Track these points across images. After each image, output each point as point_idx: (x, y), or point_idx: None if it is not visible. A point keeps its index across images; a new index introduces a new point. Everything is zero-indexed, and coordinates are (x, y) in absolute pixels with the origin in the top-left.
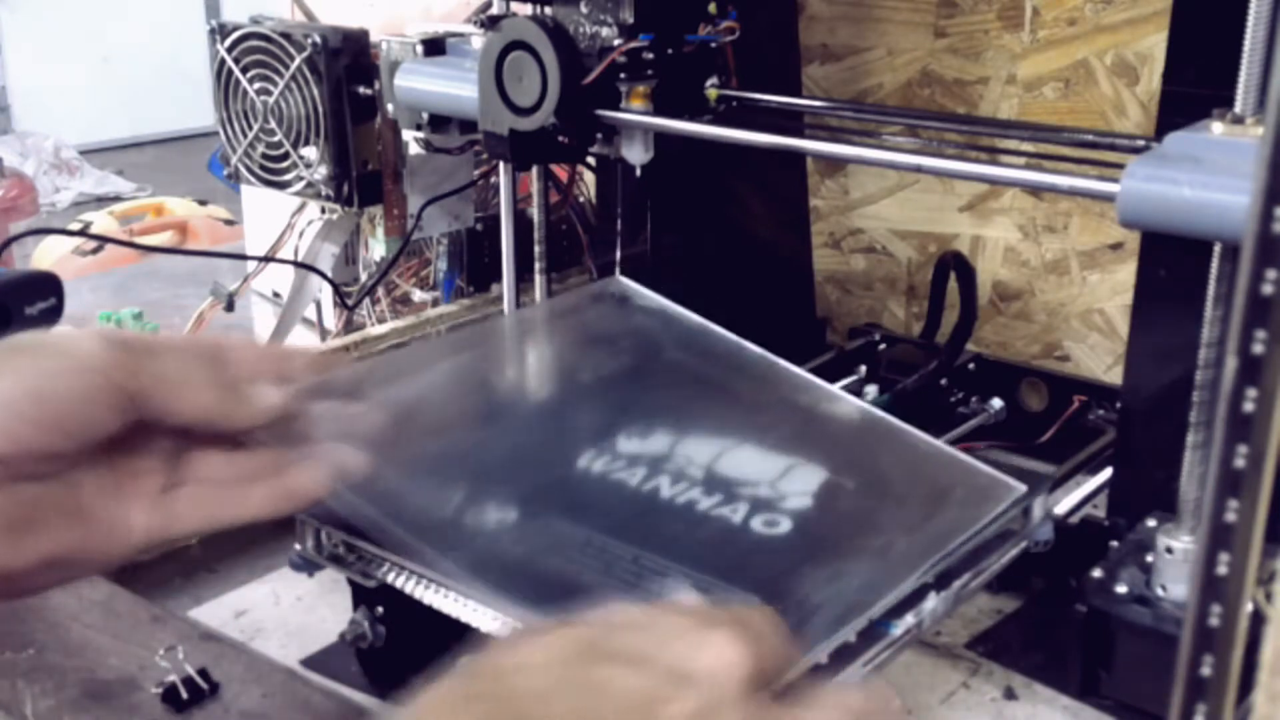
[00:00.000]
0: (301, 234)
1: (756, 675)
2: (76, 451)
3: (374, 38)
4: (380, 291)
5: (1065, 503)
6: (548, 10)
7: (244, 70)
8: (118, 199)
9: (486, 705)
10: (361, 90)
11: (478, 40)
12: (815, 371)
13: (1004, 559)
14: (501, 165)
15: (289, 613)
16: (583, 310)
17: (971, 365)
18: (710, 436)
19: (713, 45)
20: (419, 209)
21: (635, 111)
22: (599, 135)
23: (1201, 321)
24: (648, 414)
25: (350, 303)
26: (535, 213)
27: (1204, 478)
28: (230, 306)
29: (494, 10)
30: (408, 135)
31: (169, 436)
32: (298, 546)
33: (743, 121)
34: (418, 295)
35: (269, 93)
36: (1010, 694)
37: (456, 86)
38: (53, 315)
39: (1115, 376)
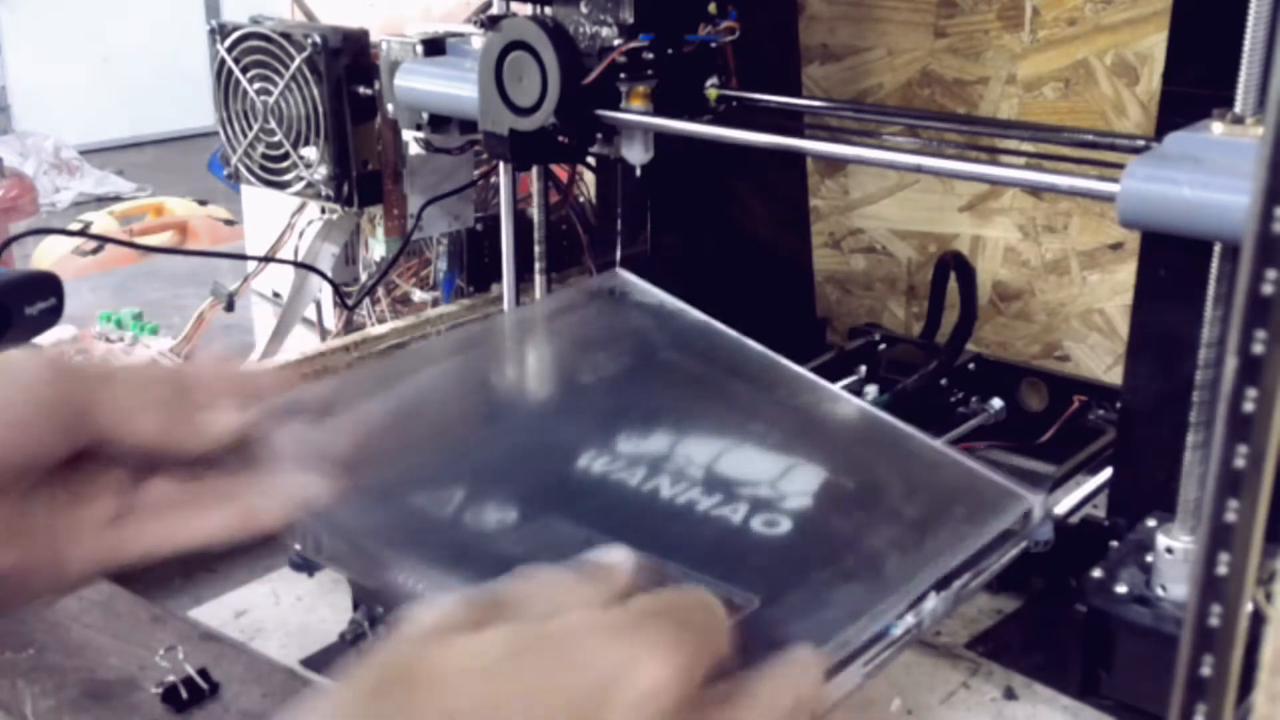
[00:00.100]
0: (301, 234)
1: (691, 684)
2: (20, 476)
3: (374, 38)
4: (380, 291)
5: (1065, 503)
6: (548, 10)
7: (244, 70)
8: (118, 199)
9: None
10: (361, 90)
11: (478, 40)
12: (815, 372)
13: (1004, 559)
14: (501, 165)
15: (289, 613)
16: (581, 307)
17: (971, 365)
18: (711, 437)
19: (713, 45)
20: (419, 209)
21: (635, 111)
22: (599, 135)
23: (1201, 321)
24: (647, 415)
25: (350, 303)
26: (535, 213)
27: (1204, 478)
28: (230, 306)
29: (494, 10)
30: (408, 135)
31: (123, 463)
32: (297, 546)
33: (743, 121)
34: (418, 295)
35: (269, 93)
36: (1010, 694)
37: (456, 86)
38: (53, 315)
39: (1115, 376)
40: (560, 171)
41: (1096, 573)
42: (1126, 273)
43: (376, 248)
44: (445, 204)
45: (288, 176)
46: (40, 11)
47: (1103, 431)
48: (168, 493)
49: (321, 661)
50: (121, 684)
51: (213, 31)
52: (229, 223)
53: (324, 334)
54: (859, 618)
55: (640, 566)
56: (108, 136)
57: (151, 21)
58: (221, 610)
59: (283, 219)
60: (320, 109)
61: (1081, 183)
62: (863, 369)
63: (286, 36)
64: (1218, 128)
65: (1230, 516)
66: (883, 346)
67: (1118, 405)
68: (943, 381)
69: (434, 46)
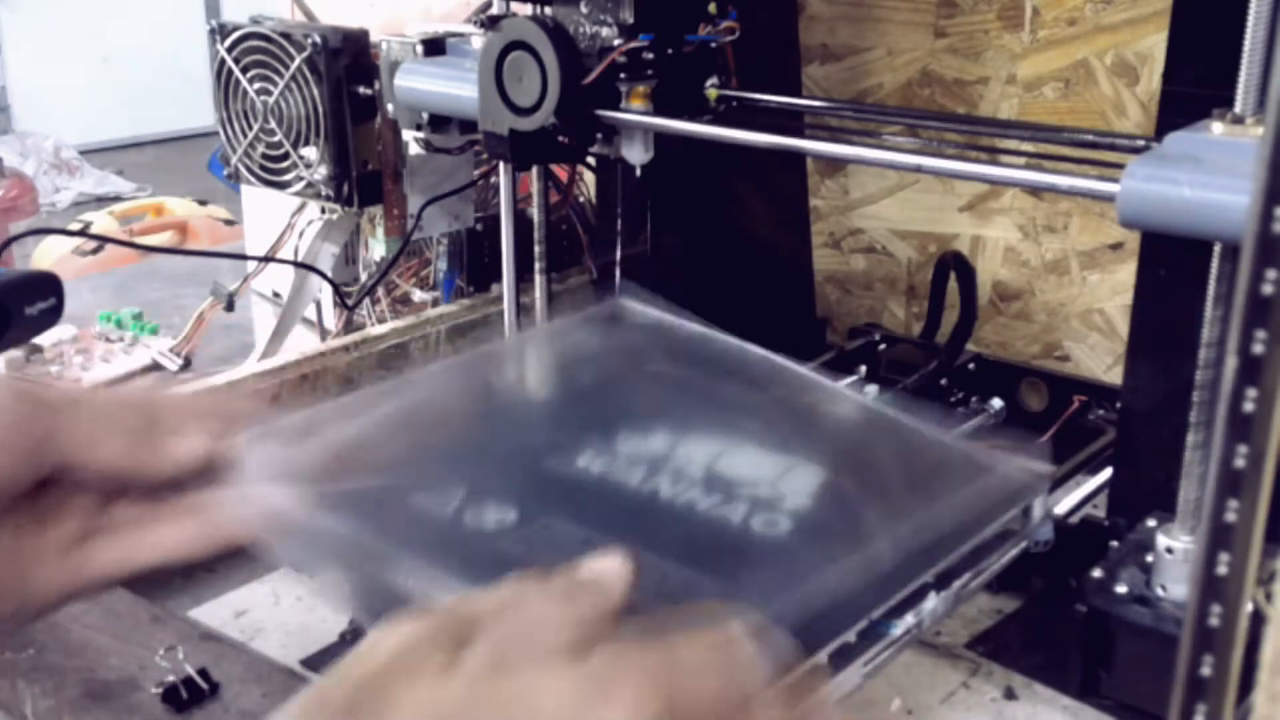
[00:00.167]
0: (301, 234)
1: None
2: None
3: (374, 38)
4: (380, 291)
5: (1065, 503)
6: (548, 10)
7: (244, 70)
8: (118, 199)
9: None
10: (361, 90)
11: (478, 40)
12: (815, 372)
13: (1004, 559)
14: (501, 165)
15: (289, 613)
16: (577, 329)
17: (971, 365)
18: (711, 437)
19: (713, 45)
20: (419, 209)
21: (635, 111)
22: (599, 135)
23: (1201, 321)
24: (644, 419)
25: (350, 303)
26: (535, 213)
27: (1204, 478)
28: (230, 306)
29: (494, 10)
30: (408, 135)
31: (89, 487)
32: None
33: (743, 121)
34: (418, 295)
35: (269, 93)
36: (1010, 694)
37: (456, 86)
38: (53, 315)
39: (1115, 376)
40: (560, 171)
41: (1096, 573)
42: (1126, 273)
43: (376, 248)
44: (445, 204)
45: (288, 176)
46: (40, 11)
47: (1103, 431)
48: (132, 514)
49: (321, 661)
50: (121, 684)
51: (213, 31)
52: (229, 223)
53: (324, 334)
54: (860, 616)
55: (637, 572)
56: (108, 136)
57: (151, 21)
58: (221, 610)
59: (283, 219)
60: (320, 109)
61: (1081, 183)
62: (863, 369)
63: (286, 36)
64: (1218, 128)
65: (1230, 516)
66: (883, 346)
67: (1118, 405)
68: (943, 381)
69: (434, 46)
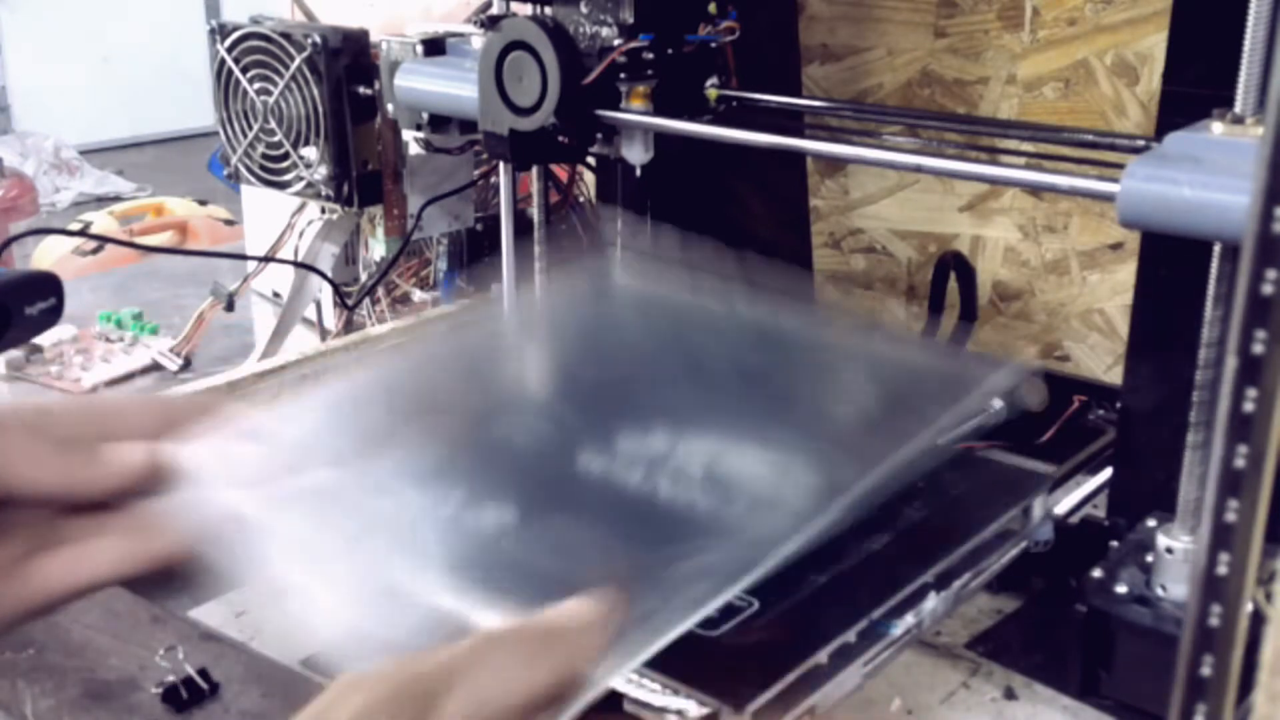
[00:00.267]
0: (301, 234)
1: None
2: None
3: (374, 38)
4: (380, 291)
5: (1065, 503)
6: (548, 10)
7: (244, 70)
8: (118, 199)
9: None
10: (361, 90)
11: (478, 40)
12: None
13: (1004, 559)
14: (501, 165)
15: (289, 612)
16: (559, 315)
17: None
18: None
19: (713, 45)
20: (419, 209)
21: (635, 111)
22: (599, 135)
23: (1201, 321)
24: (619, 393)
25: (350, 303)
26: (535, 213)
27: (1204, 478)
28: (230, 306)
29: (494, 10)
30: (408, 135)
31: (30, 511)
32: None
33: (743, 121)
34: (418, 295)
35: (269, 93)
36: (1010, 694)
37: (456, 86)
38: (53, 315)
39: (1115, 376)
40: (560, 171)
41: (1096, 573)
42: (1126, 273)
43: (376, 248)
44: (445, 204)
45: (288, 176)
46: (40, 11)
47: (1103, 431)
48: (79, 529)
49: (322, 661)
50: (121, 684)
51: (213, 31)
52: (229, 223)
53: (324, 334)
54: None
55: (609, 613)
56: (108, 136)
57: (151, 21)
58: (221, 610)
59: (283, 219)
60: (320, 109)
61: (1081, 183)
62: None
63: (286, 36)
64: (1218, 128)
65: (1230, 516)
66: None
67: (1118, 405)
68: None
69: (434, 46)
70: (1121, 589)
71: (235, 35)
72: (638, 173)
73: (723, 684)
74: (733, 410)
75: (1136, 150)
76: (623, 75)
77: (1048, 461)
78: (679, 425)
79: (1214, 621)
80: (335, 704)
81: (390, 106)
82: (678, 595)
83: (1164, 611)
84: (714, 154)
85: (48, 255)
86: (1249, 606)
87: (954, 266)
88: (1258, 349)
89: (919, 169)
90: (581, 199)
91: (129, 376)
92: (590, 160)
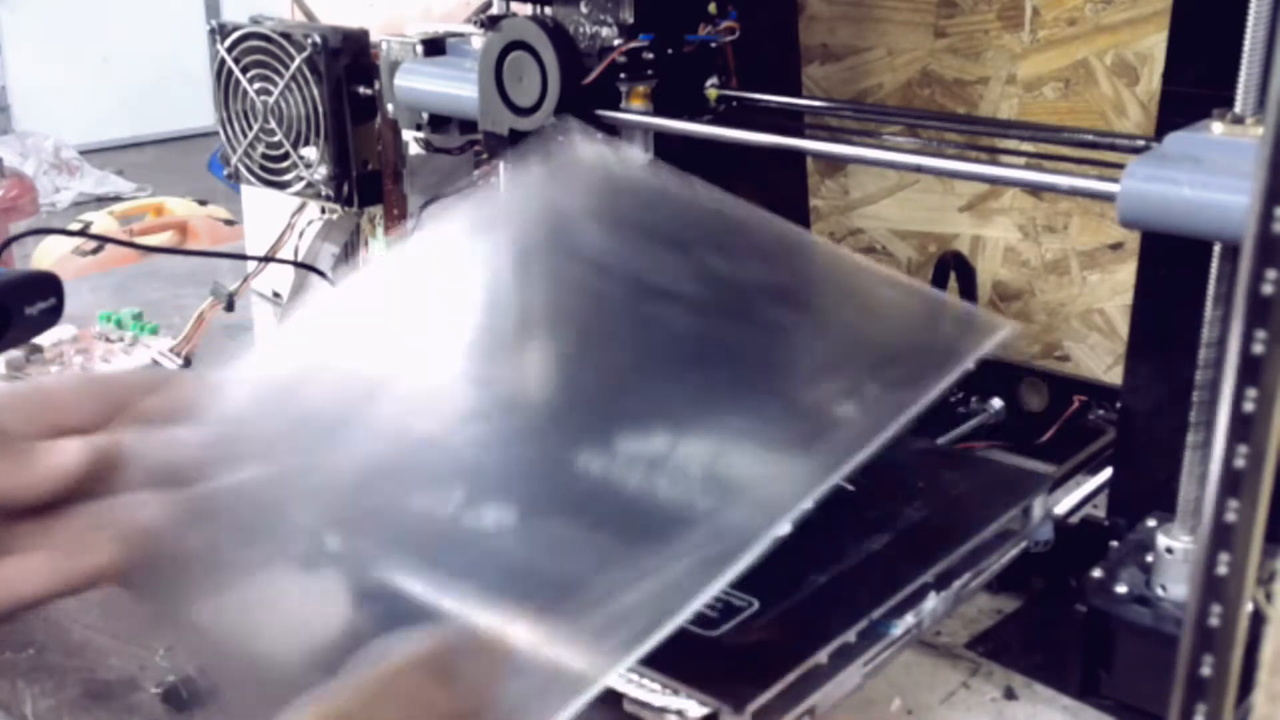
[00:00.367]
0: (301, 234)
1: None
2: None
3: (374, 38)
4: None
5: (1065, 503)
6: (548, 10)
7: (244, 70)
8: (118, 199)
9: None
10: (361, 90)
11: (478, 40)
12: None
13: (1004, 559)
14: (502, 165)
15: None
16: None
17: (971, 365)
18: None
19: (713, 45)
20: (419, 209)
21: (635, 111)
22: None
23: (1201, 321)
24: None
25: None
26: None
27: (1204, 478)
28: (230, 306)
29: (494, 10)
30: (408, 135)
31: None
32: None
33: (743, 121)
34: None
35: (269, 93)
36: (1010, 694)
37: (456, 86)
38: (53, 315)
39: (1115, 376)
40: None
41: (1096, 573)
42: (1126, 273)
43: (376, 248)
44: (445, 204)
45: (288, 176)
46: (40, 11)
47: (1103, 431)
48: (7, 542)
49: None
50: (121, 684)
51: (213, 31)
52: (229, 223)
53: None
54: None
55: (517, 631)
56: (108, 136)
57: (151, 21)
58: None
59: (283, 219)
60: (320, 109)
61: (1081, 183)
62: None
63: (286, 36)
64: (1218, 128)
65: (1230, 516)
66: None
67: (1118, 405)
68: None
69: (434, 46)
70: (1121, 589)
71: (235, 35)
72: None
73: (723, 684)
74: (703, 379)
75: (1136, 150)
76: (623, 75)
77: (1048, 461)
78: (647, 405)
79: (1214, 621)
80: None
81: (390, 106)
82: (658, 592)
83: (1164, 611)
84: (714, 154)
85: (48, 255)
86: (1249, 606)
87: (954, 266)
88: (1258, 349)
89: (919, 169)
90: None
91: None
92: None
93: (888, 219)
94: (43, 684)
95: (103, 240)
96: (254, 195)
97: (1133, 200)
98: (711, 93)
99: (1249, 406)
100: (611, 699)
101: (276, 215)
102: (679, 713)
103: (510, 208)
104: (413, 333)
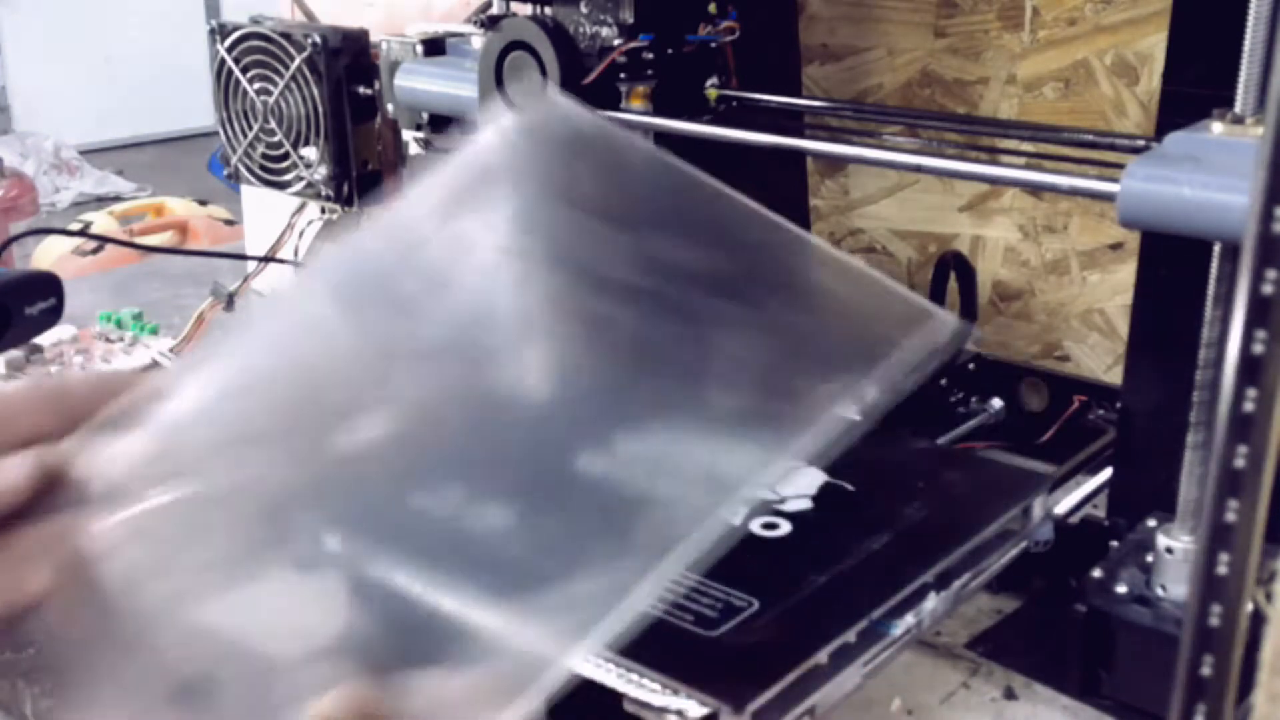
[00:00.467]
0: (301, 234)
1: None
2: None
3: (374, 38)
4: None
5: (1065, 503)
6: (548, 10)
7: (244, 70)
8: (118, 199)
9: None
10: (361, 90)
11: (478, 40)
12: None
13: (1004, 559)
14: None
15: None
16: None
17: (971, 365)
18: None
19: (713, 45)
20: None
21: (635, 111)
22: None
23: (1201, 321)
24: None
25: None
26: None
27: (1204, 478)
28: (230, 306)
29: (494, 10)
30: (408, 135)
31: None
32: None
33: (743, 121)
34: None
35: (269, 93)
36: (1010, 694)
37: (456, 86)
38: (53, 315)
39: (1115, 376)
40: None
41: (1096, 573)
42: (1126, 273)
43: None
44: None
45: (288, 176)
46: (40, 11)
47: (1103, 431)
48: None
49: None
50: None
51: (213, 31)
52: (229, 223)
53: None
54: (861, 614)
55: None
56: (108, 136)
57: (151, 21)
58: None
59: (283, 219)
60: (320, 109)
61: (1081, 183)
62: None
63: (286, 36)
64: (1218, 128)
65: (1230, 516)
66: None
67: (1118, 405)
68: (942, 381)
69: (434, 46)
70: (1121, 589)
71: (235, 35)
72: None
73: (723, 684)
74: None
75: (1136, 150)
76: (623, 75)
77: (1048, 461)
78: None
79: (1214, 621)
80: None
81: (390, 106)
82: (613, 577)
83: (1164, 611)
84: (714, 154)
85: (48, 255)
86: (1249, 606)
87: (954, 266)
88: (1258, 349)
89: (919, 169)
90: None
91: None
92: None
93: (888, 219)
94: (43, 684)
95: (103, 240)
96: (254, 195)
97: (1133, 200)
98: (711, 93)
99: (1249, 406)
100: (611, 699)
101: (276, 215)
102: (679, 713)
103: (466, 186)
104: (366, 325)
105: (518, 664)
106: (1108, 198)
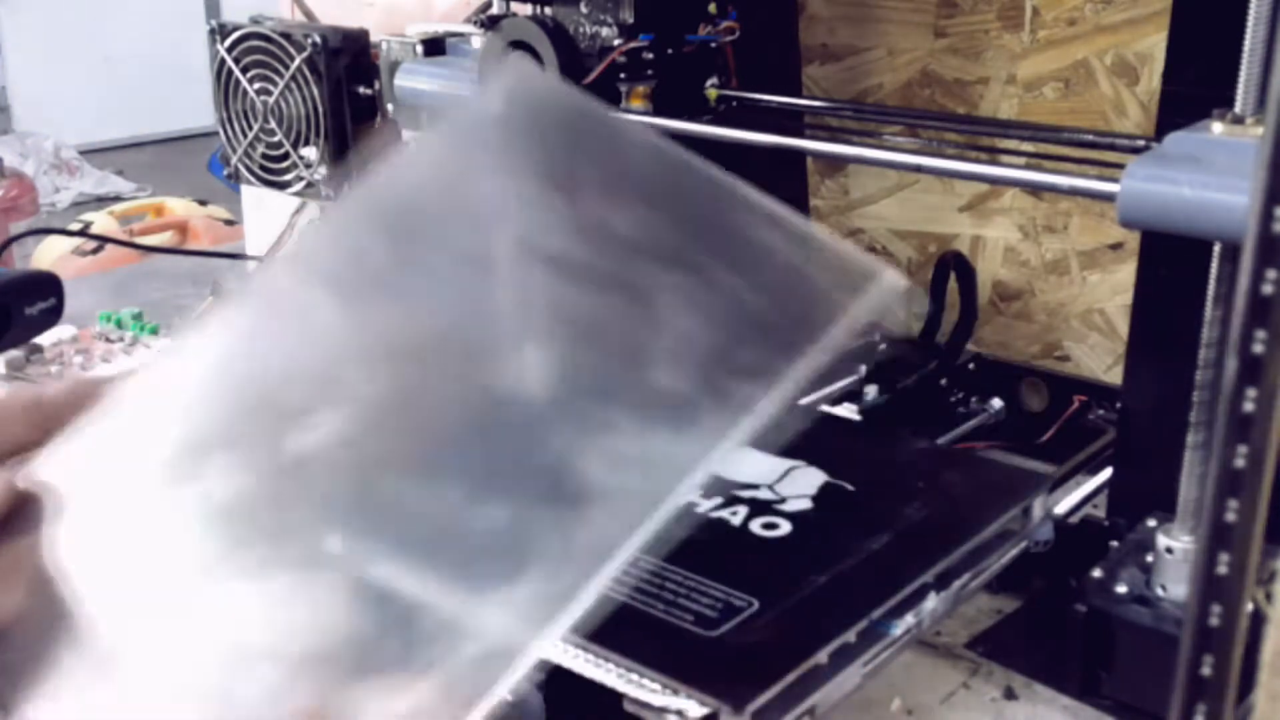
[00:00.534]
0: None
1: None
2: None
3: (374, 38)
4: None
5: (1065, 503)
6: (548, 10)
7: (244, 70)
8: (118, 199)
9: None
10: (361, 90)
11: (478, 40)
12: (815, 373)
13: (1004, 559)
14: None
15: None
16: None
17: (971, 365)
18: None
19: (713, 45)
20: None
21: (635, 111)
22: None
23: (1201, 321)
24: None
25: None
26: None
27: (1204, 478)
28: None
29: (494, 10)
30: (408, 135)
31: None
32: None
33: (743, 121)
34: None
35: (269, 93)
36: (1010, 694)
37: (456, 86)
38: (53, 315)
39: (1115, 376)
40: None
41: (1096, 573)
42: (1126, 273)
43: None
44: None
45: (288, 176)
46: (40, 11)
47: (1103, 431)
48: None
49: None
50: None
51: (213, 31)
52: (229, 223)
53: None
54: (860, 614)
55: None
56: (108, 136)
57: (151, 21)
58: None
59: (283, 219)
60: (320, 109)
61: (1081, 183)
62: (863, 369)
63: (286, 36)
64: (1218, 128)
65: (1230, 516)
66: (883, 346)
67: (1118, 405)
68: (943, 381)
69: (434, 46)
70: (1121, 589)
71: (235, 35)
72: None
73: (723, 684)
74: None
75: (1136, 150)
76: (623, 75)
77: (1048, 461)
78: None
79: (1214, 621)
80: None
81: (390, 106)
82: (573, 559)
83: (1164, 611)
84: (714, 154)
85: (48, 255)
86: (1249, 606)
87: (954, 266)
88: (1258, 349)
89: (919, 169)
90: None
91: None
92: None
93: (888, 219)
94: (8, 708)
95: (103, 240)
96: (254, 195)
97: (1133, 200)
98: (711, 93)
99: (1249, 406)
100: (611, 699)
101: (276, 215)
102: (679, 713)
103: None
104: (319, 318)
105: (473, 668)
106: (1108, 198)
